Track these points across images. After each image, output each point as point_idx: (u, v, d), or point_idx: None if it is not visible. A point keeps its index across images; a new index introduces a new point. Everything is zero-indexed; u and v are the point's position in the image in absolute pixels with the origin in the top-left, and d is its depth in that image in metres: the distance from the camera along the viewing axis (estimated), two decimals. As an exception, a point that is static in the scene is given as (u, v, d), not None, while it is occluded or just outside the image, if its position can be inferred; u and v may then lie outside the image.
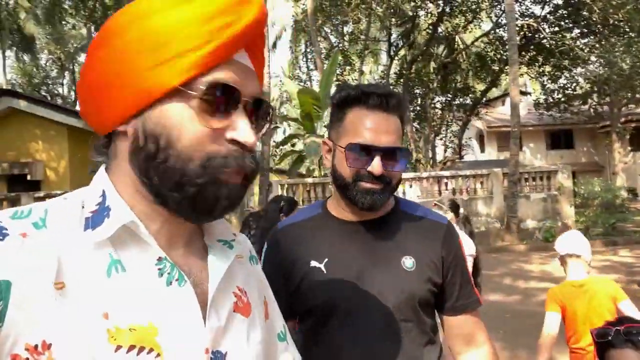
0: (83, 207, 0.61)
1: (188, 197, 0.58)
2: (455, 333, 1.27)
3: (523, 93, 20.37)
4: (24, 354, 0.50)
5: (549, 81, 20.77)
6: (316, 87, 17.83)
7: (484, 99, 22.26)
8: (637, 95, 19.96)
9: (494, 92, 23.92)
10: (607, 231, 12.44)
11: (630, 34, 16.54)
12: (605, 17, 16.62)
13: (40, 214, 0.57)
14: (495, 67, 20.91)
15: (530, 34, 18.99)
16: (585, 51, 18.53)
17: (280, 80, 27.53)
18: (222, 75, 0.59)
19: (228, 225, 0.75)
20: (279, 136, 26.43)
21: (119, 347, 0.54)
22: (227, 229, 0.74)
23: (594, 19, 17.18)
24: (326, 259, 1.20)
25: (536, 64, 20.10)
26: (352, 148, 1.15)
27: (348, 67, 22.62)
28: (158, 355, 0.56)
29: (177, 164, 0.58)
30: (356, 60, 22.65)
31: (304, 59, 25.83)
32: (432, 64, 21.87)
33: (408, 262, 1.18)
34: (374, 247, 1.21)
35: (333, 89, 17.73)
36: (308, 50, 24.70)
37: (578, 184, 14.79)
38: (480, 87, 22.20)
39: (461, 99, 22.69)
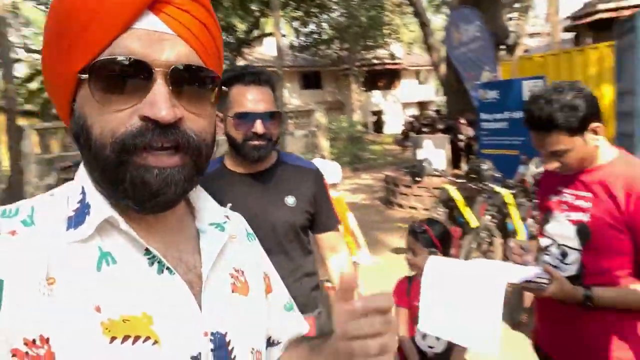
0: (68, 203, 0.60)
1: (117, 187, 0.56)
2: (324, 245, 1.84)
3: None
4: (23, 348, 0.50)
5: (301, 25, 22.84)
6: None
7: (248, 39, 23.03)
8: (369, 43, 23.92)
9: (254, 33, 24.89)
10: (352, 160, 15.22)
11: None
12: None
13: (27, 212, 0.57)
14: (255, 8, 21.69)
15: (285, -21, 20.20)
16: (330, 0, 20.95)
17: (13, 1, 22.21)
18: (115, 50, 0.54)
19: (218, 207, 0.76)
20: (20, 70, 21.83)
21: (113, 338, 0.54)
22: (218, 211, 0.74)
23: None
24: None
25: (289, 8, 21.68)
26: (239, 116, 1.55)
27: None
28: (155, 342, 0.56)
29: (97, 154, 0.55)
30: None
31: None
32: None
33: (290, 200, 1.67)
34: (264, 191, 1.66)
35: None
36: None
37: (329, 120, 17.28)
38: (243, 27, 22.78)
39: (226, 38, 22.90)
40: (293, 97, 28.13)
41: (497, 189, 4.42)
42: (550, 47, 18.23)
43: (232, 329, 0.66)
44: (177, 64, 0.56)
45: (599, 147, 1.52)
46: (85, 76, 0.54)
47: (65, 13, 0.55)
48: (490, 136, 6.37)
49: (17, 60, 13.52)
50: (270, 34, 18.21)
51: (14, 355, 0.50)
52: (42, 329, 0.51)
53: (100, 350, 0.53)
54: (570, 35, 20.53)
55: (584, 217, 1.53)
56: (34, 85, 13.75)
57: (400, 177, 8.10)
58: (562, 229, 1.60)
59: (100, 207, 0.58)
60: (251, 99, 1.54)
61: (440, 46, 11.99)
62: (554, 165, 1.54)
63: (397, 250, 5.77)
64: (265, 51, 25.19)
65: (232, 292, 0.69)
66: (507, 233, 4.46)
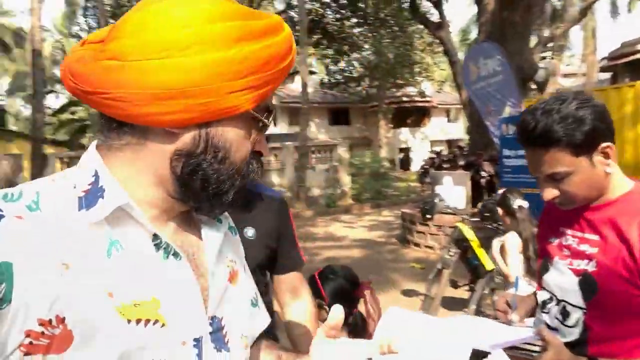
0: (75, 187, 0.61)
1: (227, 199, 0.67)
2: (284, 288, 1.53)
3: (311, 72, 22.29)
4: (38, 329, 0.52)
5: (332, 63, 23.13)
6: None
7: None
8: (398, 81, 23.95)
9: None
10: (374, 196, 14.85)
11: (395, 28, 19.57)
12: (377, 11, 19.23)
13: (32, 197, 0.57)
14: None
15: (317, 18, 20.66)
16: (361, 39, 21.19)
17: (53, 37, 23.53)
18: (272, 100, 0.70)
19: None
20: (52, 101, 22.90)
21: (128, 321, 0.58)
22: None
23: (368, 11, 19.69)
24: None
25: (321, 46, 22.06)
26: None
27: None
28: (163, 325, 0.61)
29: (228, 173, 0.65)
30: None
31: (84, 14, 22.55)
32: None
33: (250, 232, 1.40)
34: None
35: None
36: (89, 4, 21.65)
37: (353, 155, 17.08)
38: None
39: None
40: (321, 133, 28.30)
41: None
42: (587, 86, 17.68)
43: (226, 314, 0.72)
44: None
45: (610, 175, 1.17)
46: (256, 114, 0.66)
47: (268, 60, 0.63)
48: (513, 173, 5.93)
49: (50, 92, 14.05)
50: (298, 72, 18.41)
51: (28, 336, 0.51)
52: (58, 309, 0.53)
53: (116, 330, 0.56)
54: (606, 75, 19.96)
55: (589, 267, 1.17)
56: (65, 116, 14.18)
57: (417, 215, 7.70)
58: (563, 280, 1.24)
59: (117, 193, 0.60)
60: None
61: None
62: (552, 194, 1.18)
63: (407, 293, 5.31)
64: (295, 87, 25.49)
65: (227, 280, 0.75)
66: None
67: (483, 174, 7.50)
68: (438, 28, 11.88)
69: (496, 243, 3.75)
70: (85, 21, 22.62)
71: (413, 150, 28.91)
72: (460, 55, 15.06)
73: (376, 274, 4.73)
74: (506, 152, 6.06)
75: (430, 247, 7.38)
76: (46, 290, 0.52)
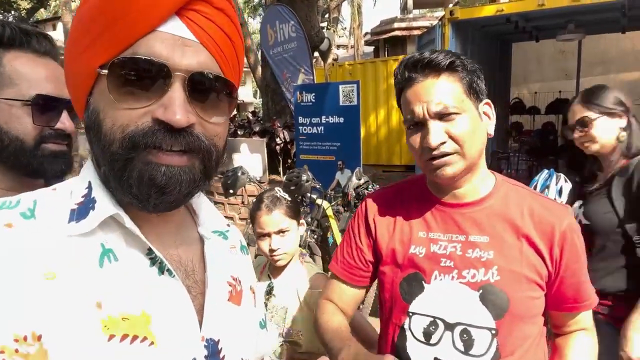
0: (71, 198, 0.59)
1: (123, 182, 0.56)
2: None
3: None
4: (12, 345, 0.49)
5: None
6: None
7: (32, 19, 19.35)
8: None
9: (43, 14, 20.97)
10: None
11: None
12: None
13: (29, 205, 0.56)
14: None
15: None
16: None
17: None
18: (138, 50, 0.54)
19: (221, 216, 0.75)
20: None
21: (112, 337, 0.53)
22: (220, 220, 0.75)
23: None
24: None
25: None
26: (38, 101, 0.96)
27: None
28: (152, 343, 0.56)
29: (105, 148, 0.55)
30: None
31: None
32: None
33: None
34: None
35: None
36: None
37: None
38: (26, 4, 19.05)
39: (2, 14, 18.84)
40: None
41: (318, 201, 4.04)
42: (355, 58, 19.72)
43: (224, 336, 0.65)
44: (196, 70, 0.56)
45: (482, 158, 1.08)
46: (104, 71, 0.54)
47: (94, 8, 0.55)
48: (308, 141, 6.09)
49: None
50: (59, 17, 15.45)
51: (1, 352, 0.49)
52: (35, 326, 0.50)
53: (98, 347, 0.52)
54: (370, 48, 22.66)
55: (490, 276, 1.03)
56: None
57: (215, 184, 7.37)
58: (454, 299, 1.05)
59: (106, 204, 0.58)
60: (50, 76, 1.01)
61: (256, 48, 11.67)
62: (440, 137, 1.00)
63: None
64: (58, 36, 21.54)
65: (228, 300, 0.69)
66: (328, 248, 4.13)
67: (278, 140, 7.56)
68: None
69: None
70: None
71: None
72: (247, 18, 14.87)
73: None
74: (301, 119, 6.16)
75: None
76: (25, 303, 0.50)
